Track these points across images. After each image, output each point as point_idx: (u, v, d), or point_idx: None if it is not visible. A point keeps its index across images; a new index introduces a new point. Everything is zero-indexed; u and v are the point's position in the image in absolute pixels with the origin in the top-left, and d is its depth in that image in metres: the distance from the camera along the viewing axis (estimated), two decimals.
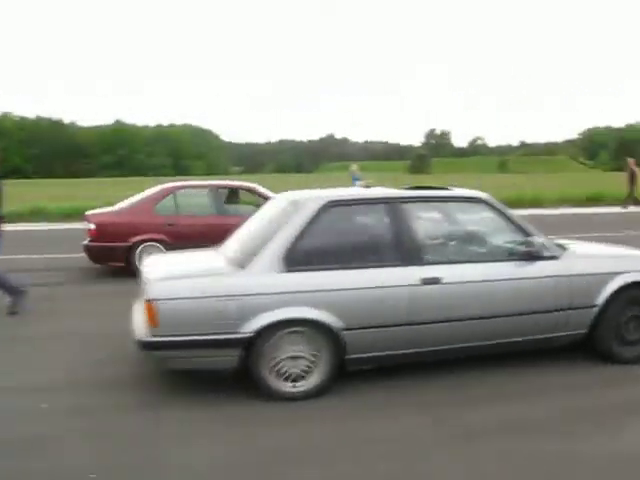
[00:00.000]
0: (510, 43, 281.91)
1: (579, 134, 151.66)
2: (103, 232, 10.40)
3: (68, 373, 5.67)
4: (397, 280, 5.12)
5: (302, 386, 5.00)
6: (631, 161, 25.61)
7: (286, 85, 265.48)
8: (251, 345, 4.84)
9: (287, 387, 4.98)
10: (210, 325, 4.78)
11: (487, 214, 5.69)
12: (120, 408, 4.86)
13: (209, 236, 9.98)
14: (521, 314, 5.44)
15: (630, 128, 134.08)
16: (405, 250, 5.23)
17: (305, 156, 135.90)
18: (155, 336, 4.78)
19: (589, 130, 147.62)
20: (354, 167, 20.38)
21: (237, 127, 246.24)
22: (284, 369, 4.96)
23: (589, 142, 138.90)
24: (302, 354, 4.99)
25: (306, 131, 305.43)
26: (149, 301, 4.77)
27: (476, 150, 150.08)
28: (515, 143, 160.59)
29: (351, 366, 5.18)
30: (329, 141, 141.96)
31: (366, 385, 5.27)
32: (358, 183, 18.29)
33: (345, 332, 4.99)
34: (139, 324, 5.11)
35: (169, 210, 10.66)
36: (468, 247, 5.65)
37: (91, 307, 8.35)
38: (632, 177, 24.62)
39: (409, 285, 5.12)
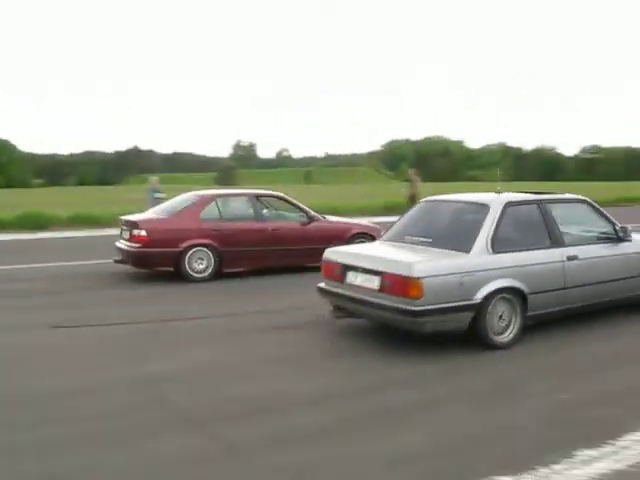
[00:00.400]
0: (310, 54, 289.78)
1: (381, 146, 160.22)
2: (155, 238, 11.31)
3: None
4: (555, 258, 7.34)
5: (506, 337, 6.99)
6: (411, 171, 28.04)
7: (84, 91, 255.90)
8: (480, 308, 6.70)
9: (498, 339, 6.91)
10: (453, 295, 6.64)
11: (589, 211, 8.20)
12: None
13: (250, 240, 11.52)
14: (620, 279, 7.93)
15: (426, 141, 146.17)
16: (554, 237, 7.50)
17: (110, 168, 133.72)
18: (418, 306, 6.48)
19: (390, 143, 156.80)
20: (154, 179, 20.43)
21: (37, 138, 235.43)
22: (495, 326, 6.91)
23: (390, 154, 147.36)
24: (505, 314, 6.95)
25: (113, 142, 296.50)
26: (415, 278, 6.47)
27: (282, 162, 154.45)
28: (320, 154, 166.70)
29: (529, 321, 7.20)
30: (134, 153, 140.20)
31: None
32: (157, 195, 18.64)
33: (530, 296, 7.02)
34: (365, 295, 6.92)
35: (213, 216, 11.80)
36: (586, 233, 8.07)
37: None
38: (412, 187, 25.20)
39: (562, 261, 7.37)
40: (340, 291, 7.40)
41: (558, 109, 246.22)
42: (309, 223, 12.56)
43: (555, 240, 7.44)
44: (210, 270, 11.53)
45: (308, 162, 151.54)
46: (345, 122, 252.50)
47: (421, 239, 7.41)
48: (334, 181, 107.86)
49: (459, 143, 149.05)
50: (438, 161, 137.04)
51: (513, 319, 7.00)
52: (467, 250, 6.88)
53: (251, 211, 12.20)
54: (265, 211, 12.60)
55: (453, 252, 6.93)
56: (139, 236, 11.34)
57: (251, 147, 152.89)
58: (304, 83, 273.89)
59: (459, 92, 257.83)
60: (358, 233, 12.81)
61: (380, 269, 6.84)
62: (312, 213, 12.79)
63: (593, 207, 8.24)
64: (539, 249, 7.28)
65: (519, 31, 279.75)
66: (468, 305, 6.65)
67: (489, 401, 5.52)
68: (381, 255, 7.17)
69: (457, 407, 5.37)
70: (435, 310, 6.50)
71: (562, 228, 7.63)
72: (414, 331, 6.72)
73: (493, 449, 4.56)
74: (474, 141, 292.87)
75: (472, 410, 5.32)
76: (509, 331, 6.98)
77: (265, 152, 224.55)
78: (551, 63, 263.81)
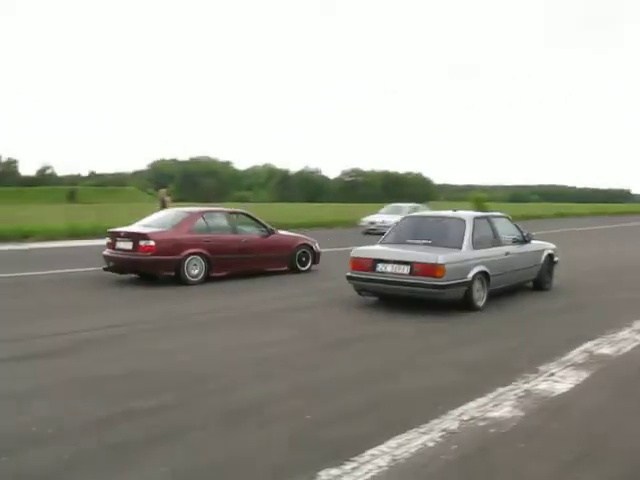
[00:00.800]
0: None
1: (148, 165, 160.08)
2: (162, 247, 13.93)
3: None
4: (501, 253, 12.34)
5: (481, 303, 11.51)
6: (162, 191, 29.11)
7: None
8: (470, 284, 11.26)
9: (478, 304, 11.47)
10: (457, 275, 11.07)
11: (508, 222, 13.36)
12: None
13: (231, 249, 15.00)
14: (527, 268, 13.33)
15: (193, 161, 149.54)
16: (497, 240, 12.44)
17: None
18: (442, 282, 10.81)
19: (156, 162, 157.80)
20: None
21: None
22: (476, 295, 11.49)
23: (156, 173, 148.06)
24: (480, 288, 11.55)
25: None
26: (441, 264, 10.70)
27: (45, 179, 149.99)
28: (85, 173, 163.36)
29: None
30: None
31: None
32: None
33: (491, 277, 11.78)
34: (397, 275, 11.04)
35: (203, 229, 14.78)
36: (509, 237, 13.00)
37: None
38: (163, 206, 27.40)
39: (503, 255, 12.38)
40: (372, 277, 11.33)
41: (321, 133, 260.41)
42: (269, 235, 15.96)
43: (498, 242, 12.31)
44: (202, 275, 14.41)
45: (73, 181, 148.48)
46: (111, 140, 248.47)
47: (423, 241, 11.64)
48: (99, 200, 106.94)
49: (227, 164, 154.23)
50: (205, 181, 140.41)
51: (483, 292, 11.58)
52: (459, 247, 11.31)
53: (228, 225, 15.41)
54: (238, 225, 15.73)
55: (450, 249, 11.22)
56: (148, 246, 13.87)
57: (11, 163, 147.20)
58: (68, 97, 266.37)
59: (225, 113, 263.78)
60: (302, 244, 16.78)
61: (410, 260, 10.92)
62: (269, 227, 16.18)
63: (510, 220, 13.46)
64: (493, 247, 12.03)
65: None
66: (465, 282, 11.09)
67: None
68: (405, 251, 11.22)
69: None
70: (450, 285, 10.83)
71: (499, 234, 12.48)
72: (437, 299, 10.98)
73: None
74: (241, 162, 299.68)
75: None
76: (483, 299, 11.56)
77: (27, 169, 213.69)
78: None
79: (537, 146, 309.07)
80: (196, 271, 14.44)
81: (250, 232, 15.93)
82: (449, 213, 12.50)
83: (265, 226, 16.22)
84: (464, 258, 11.16)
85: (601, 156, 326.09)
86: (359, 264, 11.67)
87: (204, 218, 15.12)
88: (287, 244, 16.45)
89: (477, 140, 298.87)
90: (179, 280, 14.20)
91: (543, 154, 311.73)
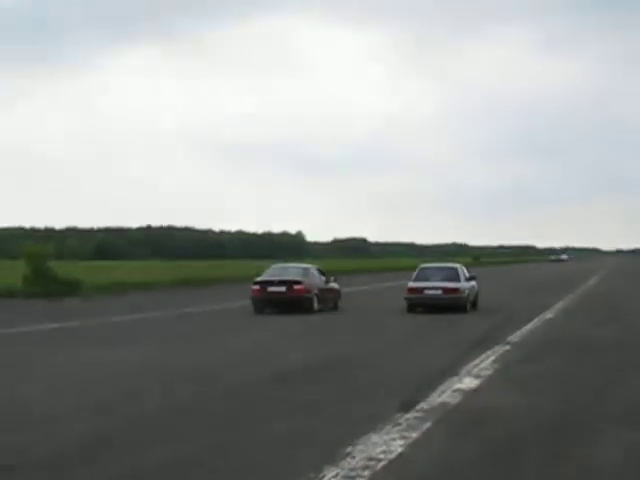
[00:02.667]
0: None
1: None
2: (307, 289, 23.95)
3: None
4: (472, 284, 25.61)
5: (469, 309, 24.55)
6: None
7: None
8: (467, 298, 24.24)
9: (468, 307, 24.37)
10: (465, 294, 24.00)
11: (465, 269, 26.10)
12: None
13: (327, 290, 26.27)
14: (475, 292, 25.82)
15: None
16: (469, 277, 25.42)
17: None
18: (463, 297, 23.99)
19: None
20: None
21: None
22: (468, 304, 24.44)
23: None
24: (469, 301, 24.91)
25: None
26: (462, 289, 23.93)
27: None
28: None
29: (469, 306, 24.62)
30: None
31: None
32: None
33: (470, 297, 24.83)
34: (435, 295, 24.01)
35: (317, 277, 25.66)
36: (468, 276, 25.48)
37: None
38: None
39: (472, 286, 25.62)
40: (422, 297, 23.94)
41: None
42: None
43: (469, 278, 25.13)
44: (318, 306, 24.19)
45: None
46: None
47: (440, 279, 24.24)
48: None
49: None
50: None
51: (469, 303, 24.07)
52: (459, 280, 24.28)
53: (322, 276, 25.96)
54: (323, 277, 26.03)
55: (456, 282, 24.09)
56: (300, 288, 23.58)
57: None
58: None
59: None
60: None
61: (441, 286, 23.84)
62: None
63: (464, 269, 25.78)
64: (468, 281, 24.74)
65: None
66: (466, 297, 23.87)
67: None
68: (436, 284, 23.94)
69: None
70: (467, 298, 23.95)
71: (466, 275, 25.08)
72: (459, 307, 23.35)
73: None
74: None
75: None
76: (469, 306, 24.14)
77: None
78: None
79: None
80: (316, 305, 24.33)
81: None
82: (448, 264, 27.87)
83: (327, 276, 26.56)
84: (464, 285, 24.24)
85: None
86: (414, 290, 24.07)
87: (316, 270, 26.52)
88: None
89: None
90: (308, 310, 23.59)
91: None
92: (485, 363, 12.10)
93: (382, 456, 6.50)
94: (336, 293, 26.32)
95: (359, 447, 6.74)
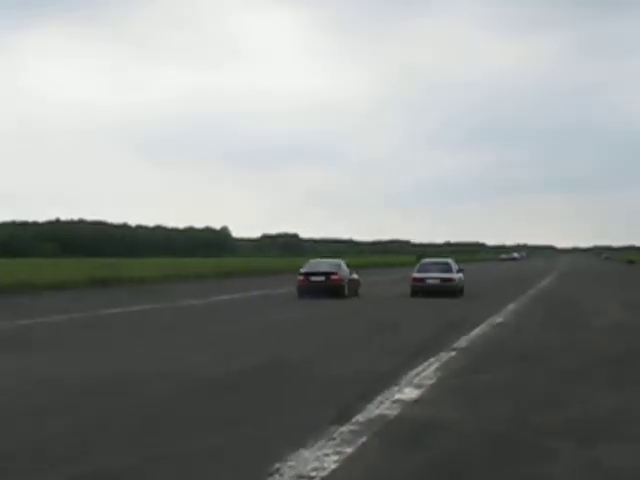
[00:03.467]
0: None
1: None
2: (341, 278, 34.10)
3: None
4: (460, 275, 36.76)
5: (459, 295, 35.33)
6: None
7: None
8: (457, 285, 35.48)
9: (458, 294, 35.11)
10: (457, 282, 35.42)
11: (453, 263, 36.74)
12: None
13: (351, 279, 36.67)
14: (459, 285, 35.66)
15: None
16: (458, 269, 36.45)
17: None
18: (456, 285, 35.31)
19: None
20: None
21: None
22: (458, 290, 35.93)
23: None
24: (460, 287, 35.91)
25: None
26: (455, 278, 35.02)
27: None
28: None
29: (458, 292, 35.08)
30: None
31: None
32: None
33: (459, 285, 35.98)
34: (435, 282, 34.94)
35: (346, 269, 35.48)
36: (456, 269, 36.13)
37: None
38: None
39: (460, 277, 36.69)
40: (424, 285, 34.44)
41: None
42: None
43: (458, 270, 35.82)
44: (349, 293, 34.29)
45: None
46: None
47: (438, 270, 35.39)
48: None
49: None
50: None
51: (459, 290, 34.95)
52: (452, 272, 35.24)
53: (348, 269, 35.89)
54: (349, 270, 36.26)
55: (450, 273, 35.10)
56: (336, 278, 33.75)
57: None
58: None
59: None
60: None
61: (439, 276, 34.74)
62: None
63: (454, 263, 36.75)
64: (458, 272, 35.61)
65: None
66: (458, 284, 35.16)
67: None
68: (435, 275, 34.90)
69: None
70: (458, 286, 35.05)
71: (457, 267, 36.00)
72: (454, 293, 34.03)
73: None
74: None
75: None
76: (462, 293, 35.03)
77: None
78: None
79: None
80: (347, 291, 34.21)
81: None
82: (443, 259, 39.65)
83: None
84: (456, 275, 35.13)
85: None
86: (417, 280, 34.65)
87: (345, 263, 36.32)
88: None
89: None
90: (342, 296, 33.47)
91: None
92: (419, 377, 12.27)
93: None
94: (357, 282, 36.41)
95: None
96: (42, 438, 8.00)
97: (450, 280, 34.56)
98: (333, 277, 33.80)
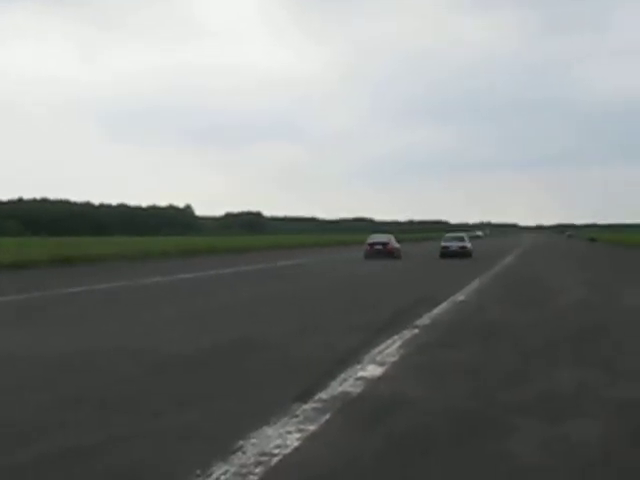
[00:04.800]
0: None
1: None
2: (393, 247, 55.36)
3: None
4: (470, 244, 59.18)
5: (471, 256, 56.42)
6: None
7: None
8: (468, 249, 57.05)
9: (471, 254, 56.50)
10: (470, 247, 57.44)
11: (466, 236, 61.28)
12: None
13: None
14: (470, 250, 56.38)
15: None
16: (469, 239, 62.39)
17: None
18: (469, 249, 56.76)
19: None
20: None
21: None
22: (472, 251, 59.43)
23: None
24: (471, 251, 57.40)
25: None
26: (469, 245, 57.32)
27: None
28: None
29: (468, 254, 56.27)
30: None
31: None
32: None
33: (470, 249, 58.00)
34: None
35: (394, 240, 57.87)
36: (468, 239, 60.15)
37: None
38: None
39: (470, 244, 59.26)
40: (447, 250, 54.98)
41: None
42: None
43: (469, 240, 60.03)
44: (396, 255, 54.16)
45: None
46: None
47: (457, 240, 58.07)
48: None
49: None
50: None
51: (469, 253, 54.85)
52: (465, 242, 57.31)
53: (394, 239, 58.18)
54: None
55: (464, 242, 56.99)
56: (390, 246, 54.80)
57: None
58: None
59: None
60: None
61: (458, 245, 56.34)
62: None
63: (468, 236, 62.71)
64: (469, 242, 58.20)
65: None
66: (469, 250, 55.67)
67: None
68: (455, 243, 56.89)
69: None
70: (469, 251, 55.46)
71: (469, 238, 62.00)
72: (467, 255, 54.15)
73: None
74: None
75: None
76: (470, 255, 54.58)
77: None
78: None
79: None
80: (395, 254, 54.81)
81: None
82: (459, 234, 63.76)
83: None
84: (468, 243, 57.37)
85: None
86: (444, 247, 55.75)
87: (394, 237, 59.28)
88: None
89: None
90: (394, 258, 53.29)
91: None
92: (371, 353, 12.27)
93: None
94: (400, 250, 56.25)
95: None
96: (8, 416, 7.90)
97: (464, 247, 55.46)
98: (388, 246, 54.69)
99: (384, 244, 55.07)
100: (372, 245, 54.99)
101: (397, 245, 56.56)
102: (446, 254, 53.78)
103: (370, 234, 61.46)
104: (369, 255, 53.15)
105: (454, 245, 56.05)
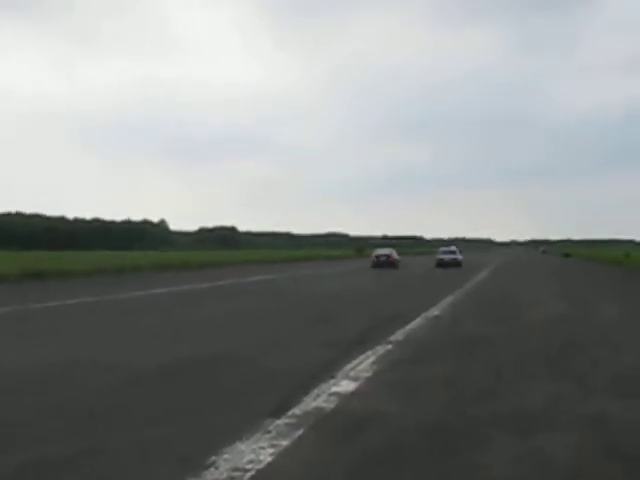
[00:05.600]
0: None
1: None
2: (394, 259, 68.48)
3: None
4: (461, 256, 76.03)
5: (460, 267, 68.77)
6: None
7: None
8: (461, 261, 73.82)
9: (460, 264, 66.40)
10: (459, 259, 72.59)
11: (457, 249, 76.22)
12: None
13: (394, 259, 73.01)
14: (461, 262, 71.76)
15: None
16: (459, 252, 76.82)
17: None
18: (459, 261, 72.28)
19: None
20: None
21: None
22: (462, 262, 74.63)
23: None
24: (461, 262, 73.34)
25: None
26: (459, 258, 72.25)
27: None
28: None
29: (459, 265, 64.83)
30: None
31: None
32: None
33: (460, 260, 73.95)
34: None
35: (396, 254, 71.39)
36: (459, 252, 75.81)
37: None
38: None
39: (461, 256, 76.44)
40: (442, 261, 69.35)
41: None
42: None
43: (460, 253, 74.80)
44: (397, 266, 67.18)
45: None
46: None
47: (450, 253, 73.27)
48: None
49: None
50: None
51: (460, 263, 69.52)
52: (457, 254, 72.51)
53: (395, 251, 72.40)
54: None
55: (456, 254, 72.12)
56: (392, 258, 68.12)
57: None
58: None
59: None
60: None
61: (451, 257, 71.04)
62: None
63: (458, 249, 77.00)
64: (460, 254, 73.73)
65: None
66: (460, 261, 71.00)
67: None
68: (448, 256, 71.36)
69: None
70: (460, 261, 70.66)
71: (460, 251, 76.33)
72: (459, 265, 68.47)
73: None
74: None
75: None
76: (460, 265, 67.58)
77: None
78: None
79: None
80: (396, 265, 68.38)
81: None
82: (451, 247, 78.71)
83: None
84: (459, 255, 72.56)
85: None
86: (439, 259, 70.33)
87: (395, 250, 73.24)
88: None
89: None
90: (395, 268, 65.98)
91: None
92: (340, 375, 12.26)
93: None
94: (400, 261, 68.68)
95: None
96: None
97: (456, 259, 69.37)
98: (391, 257, 67.58)
99: (387, 256, 67.98)
100: (377, 257, 67.86)
101: (398, 257, 69.11)
102: (441, 264, 67.11)
103: (375, 248, 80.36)
104: (375, 265, 65.40)
105: (447, 257, 70.28)
